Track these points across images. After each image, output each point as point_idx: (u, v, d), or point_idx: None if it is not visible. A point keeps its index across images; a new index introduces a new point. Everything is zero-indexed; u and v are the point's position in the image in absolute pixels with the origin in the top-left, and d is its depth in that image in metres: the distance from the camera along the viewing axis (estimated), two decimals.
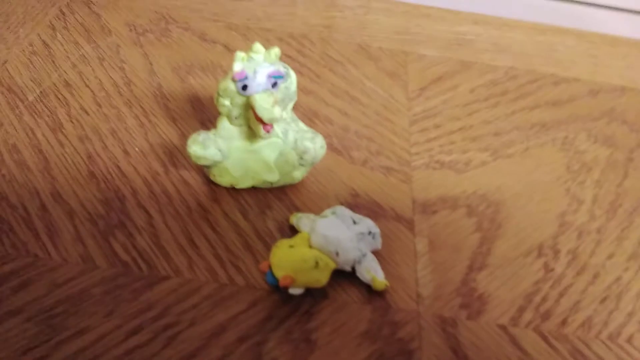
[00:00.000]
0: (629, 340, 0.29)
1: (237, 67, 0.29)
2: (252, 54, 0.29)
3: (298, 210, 0.33)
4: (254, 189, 0.33)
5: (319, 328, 0.27)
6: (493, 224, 0.34)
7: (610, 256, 0.33)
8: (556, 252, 0.33)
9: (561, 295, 0.30)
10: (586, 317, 0.30)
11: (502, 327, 0.28)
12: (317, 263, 0.27)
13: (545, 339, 0.28)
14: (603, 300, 0.31)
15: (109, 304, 0.27)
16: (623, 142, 0.41)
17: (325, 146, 0.32)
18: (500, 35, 0.52)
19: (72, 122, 0.36)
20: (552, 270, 0.32)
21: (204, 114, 0.38)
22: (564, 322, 0.29)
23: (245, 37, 0.46)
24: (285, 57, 0.44)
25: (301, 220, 0.31)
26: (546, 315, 0.29)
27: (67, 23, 0.45)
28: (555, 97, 0.45)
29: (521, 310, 0.29)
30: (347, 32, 0.49)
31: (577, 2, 0.55)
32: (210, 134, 0.31)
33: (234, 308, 0.28)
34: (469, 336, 0.28)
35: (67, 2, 0.47)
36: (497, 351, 0.27)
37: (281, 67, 0.30)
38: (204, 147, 0.31)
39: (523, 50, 0.50)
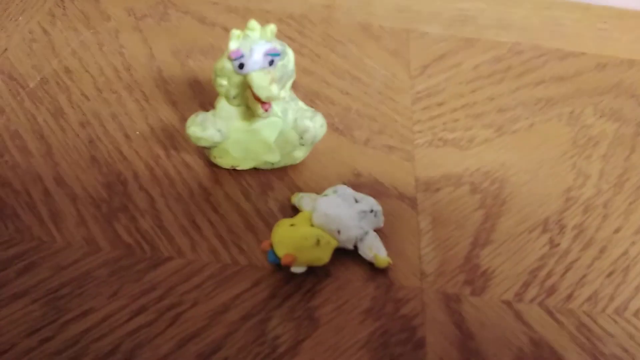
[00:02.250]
0: (636, 314, 0.29)
1: (233, 45, 0.29)
2: (248, 32, 0.29)
3: (300, 190, 0.33)
4: (255, 170, 0.33)
5: (322, 306, 0.27)
6: (497, 200, 0.33)
7: (617, 230, 0.33)
8: (562, 227, 0.32)
9: (567, 270, 0.30)
10: (592, 291, 0.29)
11: (507, 303, 0.28)
12: (318, 241, 0.27)
13: (550, 313, 0.28)
14: (609, 275, 0.30)
15: (113, 285, 0.27)
16: (630, 116, 0.41)
17: (325, 125, 0.32)
18: (505, 10, 0.51)
19: (73, 107, 0.36)
20: (558, 245, 0.31)
21: (204, 97, 0.38)
22: (569, 297, 0.29)
23: (245, 19, 0.45)
24: (285, 38, 0.44)
25: (303, 200, 0.31)
26: (551, 290, 0.29)
27: (67, 10, 0.44)
28: (561, 72, 0.44)
29: (526, 285, 0.29)
30: (347, 11, 0.48)
31: None
32: (209, 114, 0.31)
33: (237, 287, 0.28)
34: (473, 312, 0.28)
35: None
36: (502, 326, 0.27)
37: (278, 45, 0.30)
38: (203, 128, 0.30)
39: (528, 26, 0.49)
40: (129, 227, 0.30)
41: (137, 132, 0.35)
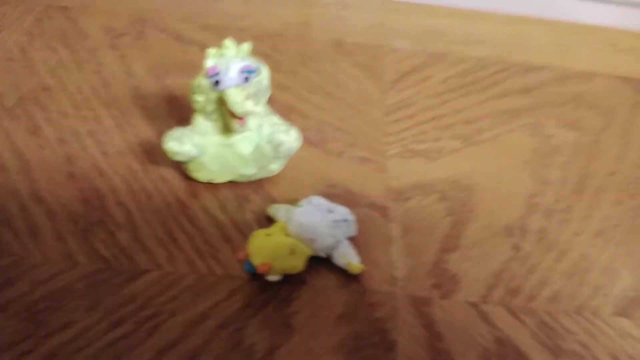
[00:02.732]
0: (595, 312, 0.30)
1: (209, 63, 0.30)
2: (224, 50, 0.30)
3: (275, 202, 0.34)
4: (231, 183, 0.34)
5: (298, 313, 0.28)
6: (464, 207, 0.35)
7: (576, 234, 0.34)
8: (524, 232, 0.34)
9: (529, 272, 0.32)
10: (554, 292, 0.31)
11: (474, 305, 0.30)
12: (293, 250, 0.28)
13: (514, 314, 0.29)
14: (570, 276, 0.32)
15: (92, 298, 0.28)
16: (589, 126, 0.43)
17: (300, 138, 0.33)
18: (471, 26, 0.53)
19: (51, 125, 0.37)
20: (521, 249, 0.33)
21: (181, 113, 0.39)
22: (532, 298, 0.30)
23: (221, 37, 0.47)
24: (261, 55, 0.45)
25: (278, 211, 0.32)
26: (515, 292, 0.31)
27: (44, 29, 0.45)
28: (525, 84, 0.46)
29: (491, 288, 0.31)
30: (321, 28, 0.50)
31: None
32: (186, 130, 0.32)
33: (214, 297, 0.29)
34: (442, 314, 0.29)
35: (44, 9, 0.47)
36: (469, 327, 0.29)
37: (252, 62, 0.31)
38: (180, 143, 0.31)
39: (493, 40, 0.51)
40: (107, 241, 0.31)
41: (115, 149, 0.36)
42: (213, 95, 0.31)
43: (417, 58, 0.48)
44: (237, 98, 0.30)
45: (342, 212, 0.31)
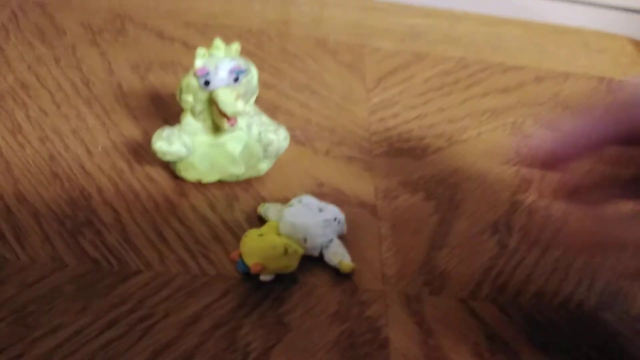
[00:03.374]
0: (578, 306, 0.31)
1: (199, 63, 0.30)
2: (213, 50, 0.30)
3: (264, 200, 0.34)
4: (220, 183, 0.34)
5: (291, 311, 0.29)
6: (451, 205, 0.36)
7: (558, 230, 0.35)
8: (509, 229, 0.35)
9: (515, 268, 0.33)
10: (538, 287, 0.32)
11: (463, 301, 0.30)
12: (286, 250, 0.28)
13: (501, 309, 0.30)
14: (553, 272, 0.33)
15: (82, 301, 0.27)
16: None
17: (288, 138, 0.33)
18: (451, 27, 0.54)
19: (31, 123, 0.36)
20: (507, 246, 0.34)
21: (166, 111, 0.39)
22: (518, 293, 0.31)
23: (204, 34, 0.46)
24: (244, 53, 0.44)
25: (269, 210, 0.32)
26: (502, 288, 0.31)
27: (20, 25, 0.44)
28: (504, 84, 0.47)
29: (479, 284, 0.31)
30: (304, 27, 0.50)
31: None
32: (175, 129, 0.32)
33: (207, 297, 0.28)
34: (433, 311, 0.30)
35: (19, 4, 0.46)
36: (459, 323, 0.29)
37: (242, 62, 0.31)
38: (169, 142, 0.31)
39: (473, 41, 0.52)
40: (95, 242, 0.30)
41: (99, 148, 0.35)
42: (202, 96, 0.31)
43: (399, 57, 0.48)
44: (227, 98, 0.30)
45: (332, 211, 0.31)
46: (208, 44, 0.31)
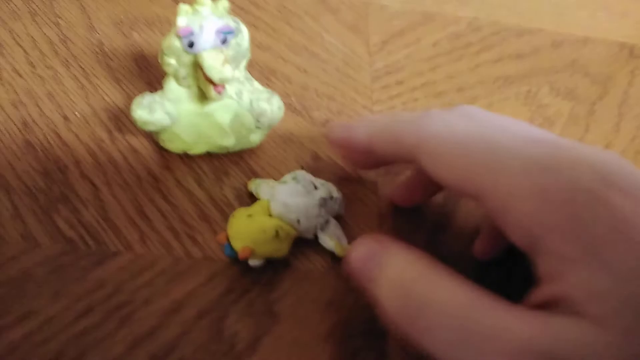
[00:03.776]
0: None
1: (181, 21, 0.26)
2: (198, 7, 0.27)
3: (257, 175, 0.31)
4: (208, 155, 0.31)
5: (282, 299, 0.26)
6: None
7: None
8: None
9: None
10: None
11: None
12: (277, 233, 0.26)
13: None
14: None
15: (55, 285, 0.25)
16: (585, 95, 0.41)
17: (283, 107, 0.30)
18: None
19: (3, 85, 0.33)
20: None
21: (151, 74, 0.35)
22: None
23: None
24: (238, 10, 0.41)
25: (260, 187, 0.29)
26: None
27: None
28: (519, 49, 0.44)
29: None
30: None
31: None
32: (156, 96, 0.29)
33: (191, 282, 0.26)
34: None
35: None
36: None
37: (231, 22, 0.27)
38: (150, 111, 0.28)
39: (486, 0, 0.48)
40: (71, 220, 0.28)
41: (77, 113, 0.32)
42: (186, 59, 0.28)
43: (406, 17, 0.45)
44: (214, 62, 0.27)
45: (329, 188, 0.29)
46: None
